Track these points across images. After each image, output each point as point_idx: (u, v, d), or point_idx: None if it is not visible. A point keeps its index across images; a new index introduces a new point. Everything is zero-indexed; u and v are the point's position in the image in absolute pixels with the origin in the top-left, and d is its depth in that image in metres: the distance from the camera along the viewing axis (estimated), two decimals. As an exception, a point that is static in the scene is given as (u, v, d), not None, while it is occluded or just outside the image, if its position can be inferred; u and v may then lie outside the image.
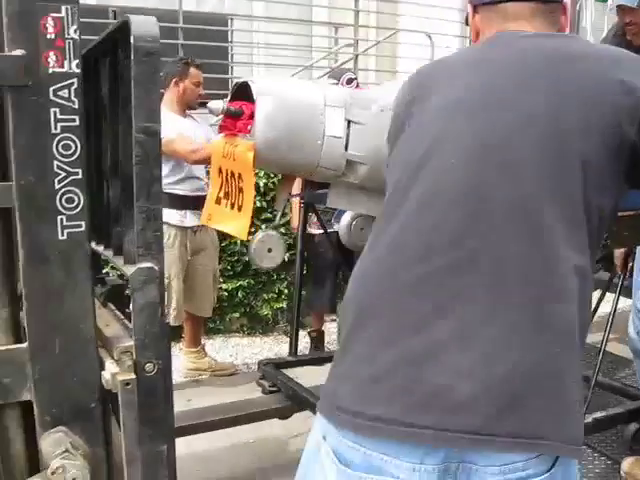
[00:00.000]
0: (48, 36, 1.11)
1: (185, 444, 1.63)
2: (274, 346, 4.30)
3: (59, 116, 1.13)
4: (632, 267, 2.69)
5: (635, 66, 1.02)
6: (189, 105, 3.49)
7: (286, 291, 4.53)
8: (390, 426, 0.93)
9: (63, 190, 1.15)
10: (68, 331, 1.18)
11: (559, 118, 0.97)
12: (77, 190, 1.16)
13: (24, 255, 1.15)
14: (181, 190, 3.31)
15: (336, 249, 3.47)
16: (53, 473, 1.12)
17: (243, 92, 1.66)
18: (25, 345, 1.18)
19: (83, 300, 1.20)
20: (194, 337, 3.65)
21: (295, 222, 3.50)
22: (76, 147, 1.15)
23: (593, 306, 1.28)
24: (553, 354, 0.93)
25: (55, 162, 1.14)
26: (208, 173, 3.80)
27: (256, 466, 2.52)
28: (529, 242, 0.94)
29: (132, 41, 1.16)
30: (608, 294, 2.61)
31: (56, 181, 1.14)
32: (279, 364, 2.49)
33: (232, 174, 1.61)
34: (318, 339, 3.95)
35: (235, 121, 1.61)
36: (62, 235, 1.16)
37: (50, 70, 1.11)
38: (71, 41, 1.13)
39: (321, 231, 3.40)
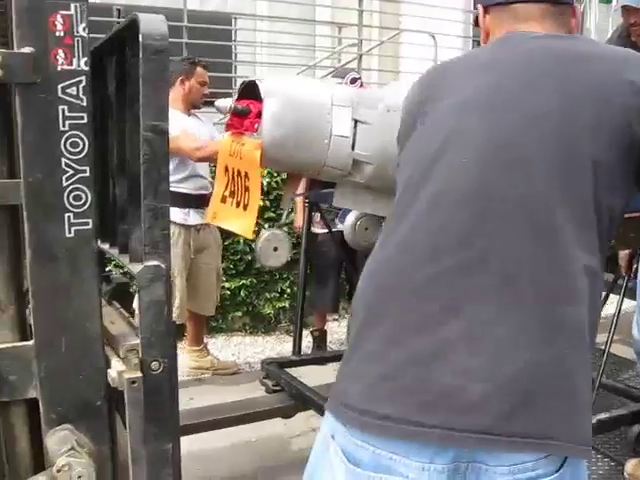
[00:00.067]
0: (57, 34, 1.11)
1: (187, 443, 1.63)
2: (276, 345, 4.30)
3: (67, 113, 1.13)
4: (637, 268, 2.68)
5: None
6: (194, 104, 3.49)
7: (289, 290, 4.53)
8: (399, 425, 0.93)
9: (71, 187, 1.15)
10: (74, 329, 1.18)
11: (569, 118, 0.97)
12: (84, 188, 1.16)
13: (31, 252, 1.15)
14: (185, 188, 3.31)
15: (339, 248, 3.47)
16: (59, 471, 1.12)
17: (250, 91, 1.65)
18: (31, 342, 1.18)
19: (90, 298, 1.19)
20: (197, 336, 3.65)
21: (299, 221, 3.50)
22: (84, 145, 1.15)
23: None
24: (563, 354, 0.93)
25: (63, 159, 1.14)
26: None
27: (258, 465, 2.52)
28: (539, 242, 0.94)
29: (141, 39, 1.16)
30: (612, 295, 2.61)
31: (64, 178, 1.14)
32: (282, 363, 2.48)
33: (238, 172, 1.60)
34: (320, 338, 3.95)
35: (242, 119, 1.61)
36: (69, 233, 1.16)
37: (59, 67, 1.11)
38: (80, 39, 1.13)
39: (324, 230, 3.40)
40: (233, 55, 6.13)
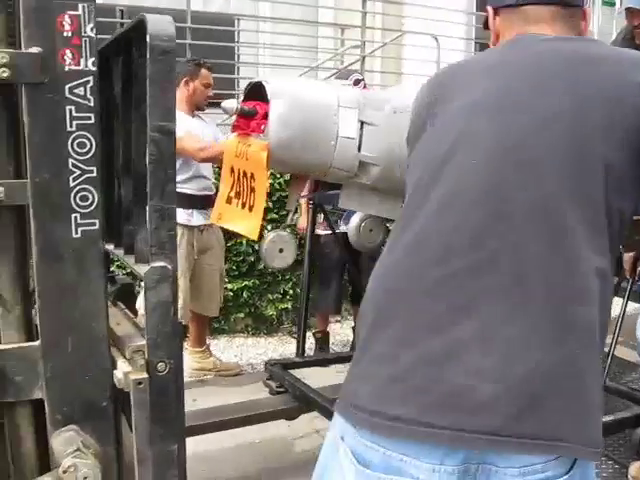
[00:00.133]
0: (65, 34, 1.11)
1: (191, 444, 1.63)
2: (278, 347, 4.30)
3: (74, 114, 1.13)
4: (641, 271, 2.68)
5: None
6: (197, 106, 3.49)
7: (291, 292, 4.52)
8: (410, 426, 0.93)
9: (78, 188, 1.15)
10: (81, 329, 1.18)
11: (580, 119, 0.97)
12: (91, 188, 1.16)
13: (38, 253, 1.14)
14: (188, 189, 3.31)
15: (342, 250, 3.47)
16: (65, 472, 1.12)
17: (257, 92, 1.65)
18: (37, 343, 1.18)
19: (96, 298, 1.19)
20: (199, 337, 3.64)
21: (302, 223, 3.50)
22: (91, 145, 1.15)
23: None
24: (574, 355, 0.93)
25: (70, 160, 1.14)
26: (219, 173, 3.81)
27: (262, 466, 2.51)
28: (550, 243, 0.94)
29: (148, 40, 1.15)
30: (616, 298, 2.60)
31: (71, 179, 1.14)
32: (286, 364, 2.48)
33: (244, 174, 1.60)
34: (323, 340, 3.94)
35: (248, 121, 1.61)
36: (76, 233, 1.16)
37: (66, 68, 1.11)
38: (87, 39, 1.13)
39: (327, 232, 3.40)
40: (236, 56, 6.13)
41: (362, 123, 1.66)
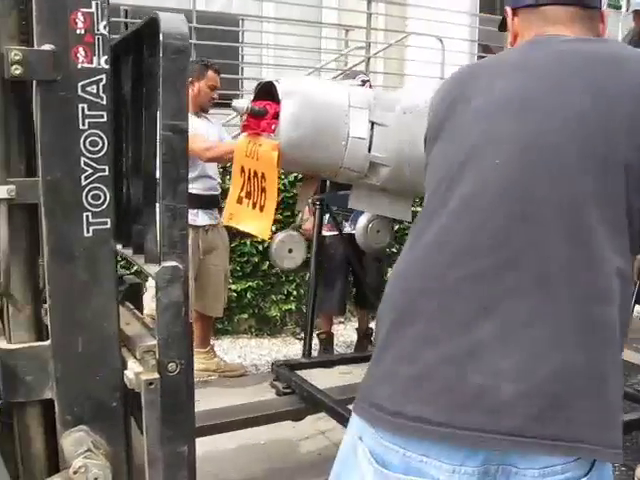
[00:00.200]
0: (78, 31, 1.10)
1: (197, 444, 1.61)
2: (282, 348, 4.29)
3: (87, 112, 1.13)
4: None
5: None
6: (201, 107, 3.48)
7: (295, 293, 4.52)
8: (431, 427, 0.93)
9: (90, 187, 1.14)
10: (91, 329, 1.17)
11: (602, 118, 0.96)
12: (103, 187, 1.16)
13: (49, 252, 1.14)
14: (194, 189, 3.29)
15: (347, 251, 3.46)
16: (75, 472, 1.11)
17: (267, 92, 1.64)
18: (48, 343, 1.17)
19: (107, 298, 1.19)
20: (204, 337, 3.63)
21: (307, 225, 3.48)
22: (103, 144, 1.15)
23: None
24: (596, 355, 0.93)
25: (82, 158, 1.13)
26: (222, 173, 3.80)
27: (267, 467, 2.50)
28: (573, 243, 0.94)
29: (161, 38, 1.14)
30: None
31: (83, 177, 1.14)
32: (293, 365, 2.47)
33: (255, 173, 1.59)
34: (327, 341, 3.93)
35: (259, 120, 1.60)
36: (87, 232, 1.15)
37: (79, 65, 1.11)
38: (100, 37, 1.12)
39: (332, 233, 3.39)
40: (240, 57, 6.13)
41: (373, 123, 1.66)
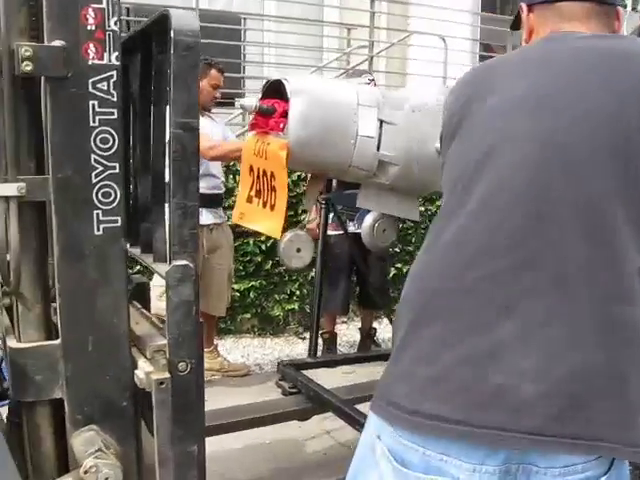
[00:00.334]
0: (88, 27, 1.09)
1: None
2: (285, 347, 4.28)
3: (98, 109, 1.12)
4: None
5: None
6: (203, 106, 3.46)
7: (298, 292, 4.51)
8: (451, 425, 0.92)
9: (100, 184, 1.13)
10: (102, 328, 1.17)
11: (619, 115, 0.95)
12: (114, 184, 1.15)
13: (59, 250, 1.13)
14: (197, 188, 3.29)
15: (351, 251, 3.45)
16: (86, 472, 1.10)
17: (275, 90, 1.63)
18: (58, 342, 1.16)
19: (117, 297, 1.18)
20: (207, 337, 3.62)
21: (312, 225, 3.47)
22: (114, 141, 1.14)
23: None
24: (616, 355, 0.92)
25: (93, 156, 1.12)
26: (225, 172, 3.79)
27: (273, 467, 2.49)
28: (593, 243, 0.93)
29: (172, 35, 1.14)
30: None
31: (93, 175, 1.13)
32: (299, 365, 2.46)
33: (264, 172, 1.58)
34: (330, 341, 3.92)
35: (267, 119, 1.59)
36: (98, 230, 1.14)
37: (89, 62, 1.10)
38: (111, 33, 1.11)
39: (337, 232, 3.38)
40: (242, 55, 6.11)
41: (381, 122, 1.65)
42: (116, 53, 1.12)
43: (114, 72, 1.12)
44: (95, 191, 1.13)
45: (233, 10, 6.50)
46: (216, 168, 3.42)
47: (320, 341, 3.90)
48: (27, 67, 1.05)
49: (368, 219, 2.15)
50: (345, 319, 4.59)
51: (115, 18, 1.11)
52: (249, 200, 1.64)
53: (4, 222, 1.11)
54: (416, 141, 1.69)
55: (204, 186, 3.32)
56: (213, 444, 2.17)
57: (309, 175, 3.27)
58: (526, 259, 0.94)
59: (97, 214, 1.14)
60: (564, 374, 0.91)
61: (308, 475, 2.22)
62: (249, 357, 4.05)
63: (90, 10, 1.09)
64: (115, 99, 1.13)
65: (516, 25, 1.27)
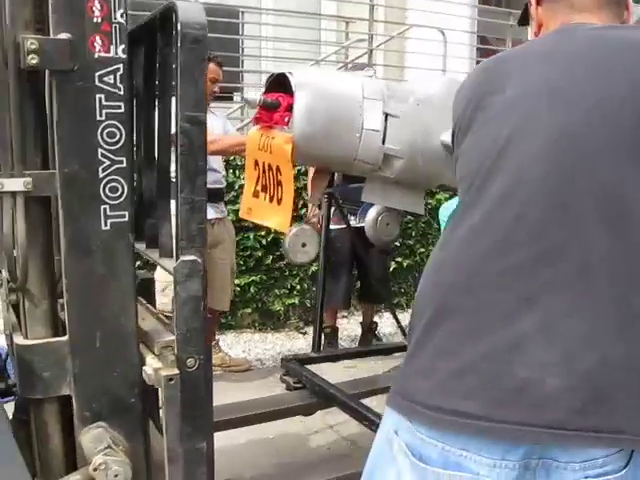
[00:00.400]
0: (94, 20, 1.07)
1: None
2: (286, 342, 4.27)
3: (104, 102, 1.10)
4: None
5: None
6: (202, 100, 3.43)
7: (298, 287, 4.50)
8: (468, 420, 0.92)
9: (107, 179, 1.12)
10: (109, 324, 1.16)
11: (634, 105, 0.94)
12: (121, 179, 1.13)
13: (66, 245, 1.12)
14: (198, 183, 3.27)
15: (353, 245, 3.44)
16: (95, 469, 1.09)
17: (279, 83, 1.62)
18: (65, 338, 1.15)
19: (125, 292, 1.17)
20: (209, 332, 3.61)
21: (310, 217, 3.46)
22: (121, 135, 1.12)
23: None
24: (636, 348, 0.91)
25: (100, 150, 1.11)
26: (225, 167, 3.77)
27: (276, 462, 2.49)
28: (616, 234, 0.93)
29: (179, 28, 1.12)
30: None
31: (100, 169, 1.11)
32: (303, 360, 2.45)
33: (269, 167, 1.57)
34: (332, 335, 3.91)
35: (271, 113, 1.57)
36: (105, 225, 1.13)
37: (96, 55, 1.08)
38: (118, 25, 1.10)
39: (338, 226, 3.36)
40: (240, 49, 6.09)
41: (386, 115, 1.63)
42: (123, 46, 1.10)
43: (121, 65, 1.10)
44: (102, 186, 1.12)
45: (231, 3, 6.46)
46: (217, 162, 3.40)
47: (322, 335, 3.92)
48: (33, 60, 1.04)
49: (371, 213, 2.14)
50: (345, 313, 4.59)
51: (122, 10, 1.10)
52: (255, 195, 1.62)
53: (11, 218, 1.10)
54: (420, 134, 1.68)
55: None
56: (216, 439, 2.17)
57: (310, 169, 3.29)
58: (548, 251, 0.93)
59: (104, 209, 1.13)
60: (587, 367, 0.91)
61: (312, 470, 2.22)
62: (250, 352, 4.05)
63: (96, 2, 1.07)
64: (122, 92, 1.11)
65: (524, 20, 1.26)
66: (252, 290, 4.34)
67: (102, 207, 1.12)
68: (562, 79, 0.99)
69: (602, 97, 0.96)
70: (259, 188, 1.62)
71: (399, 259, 4.80)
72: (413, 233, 4.85)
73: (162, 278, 2.42)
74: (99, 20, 1.08)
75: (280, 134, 1.57)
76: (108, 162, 1.12)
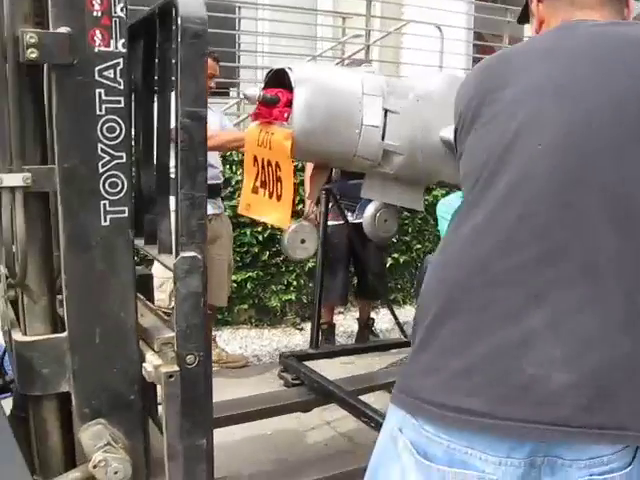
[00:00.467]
0: (94, 13, 1.06)
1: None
2: (283, 338, 4.27)
3: (104, 97, 1.09)
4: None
5: None
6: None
7: (295, 283, 4.49)
8: (472, 417, 0.92)
9: (107, 174, 1.11)
10: (109, 320, 1.15)
11: (637, 101, 0.94)
12: (121, 174, 1.13)
13: (65, 241, 1.11)
14: (195, 178, 3.26)
15: (350, 241, 3.44)
16: (95, 466, 1.09)
17: (278, 79, 1.61)
18: (64, 335, 1.14)
19: (125, 288, 1.16)
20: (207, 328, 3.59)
21: (309, 214, 3.44)
22: (121, 130, 1.11)
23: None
24: None
25: (99, 145, 1.10)
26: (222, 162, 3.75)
27: (273, 457, 2.49)
28: (622, 232, 0.92)
29: (179, 22, 1.11)
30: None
31: (100, 165, 1.10)
32: (301, 356, 2.45)
33: (269, 163, 1.56)
34: (329, 331, 3.92)
35: (270, 108, 1.56)
36: (105, 221, 1.12)
37: (96, 49, 1.07)
38: (118, 19, 1.09)
39: (335, 222, 3.36)
40: (237, 44, 6.07)
41: (386, 111, 1.63)
42: (122, 40, 1.09)
43: (120, 59, 1.09)
44: (102, 181, 1.11)
45: (228, -1, 6.44)
46: (214, 158, 3.38)
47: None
48: (32, 54, 1.03)
49: (370, 209, 2.13)
50: (342, 309, 4.58)
51: (122, 4, 1.09)
52: (254, 191, 1.62)
53: (9, 213, 1.09)
54: (420, 130, 1.67)
55: (202, 176, 3.29)
56: (214, 436, 2.16)
57: (307, 165, 3.28)
58: (550, 251, 0.93)
59: (104, 204, 1.12)
60: (594, 364, 0.91)
61: (309, 466, 2.21)
62: (247, 348, 4.04)
63: (96, -4, 1.06)
64: (122, 87, 1.10)
65: (524, 18, 1.25)
66: (249, 286, 4.34)
67: (102, 202, 1.12)
68: (566, 76, 0.99)
69: (606, 94, 0.95)
70: (258, 184, 1.61)
71: (396, 255, 4.80)
72: (410, 229, 4.85)
73: (159, 274, 2.41)
74: (99, 14, 1.07)
75: (279, 130, 1.56)
76: (108, 157, 1.11)
